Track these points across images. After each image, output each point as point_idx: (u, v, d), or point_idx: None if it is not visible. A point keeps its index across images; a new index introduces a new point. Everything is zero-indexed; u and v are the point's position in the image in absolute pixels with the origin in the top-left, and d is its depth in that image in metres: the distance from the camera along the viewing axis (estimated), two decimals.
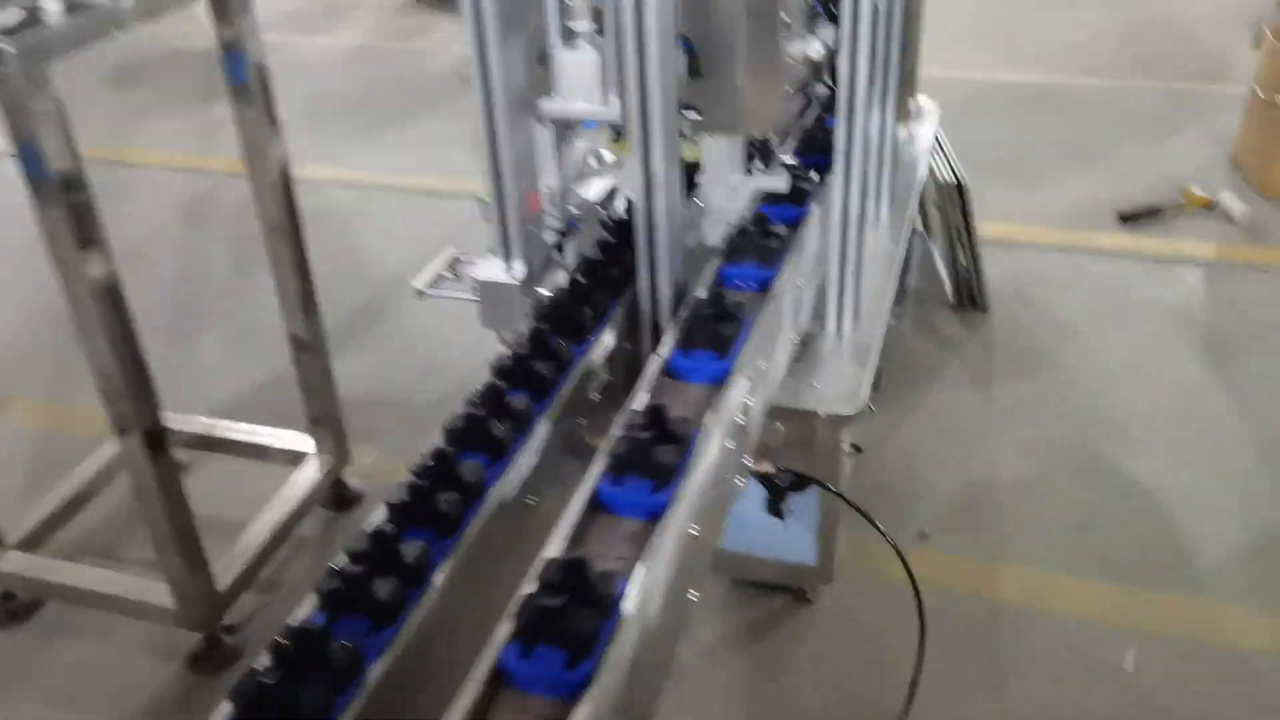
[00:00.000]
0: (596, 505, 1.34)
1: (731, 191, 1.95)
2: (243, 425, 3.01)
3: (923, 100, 3.51)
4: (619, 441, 1.37)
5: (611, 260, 1.87)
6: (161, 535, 2.31)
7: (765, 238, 1.85)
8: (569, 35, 1.66)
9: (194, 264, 4.27)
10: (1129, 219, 4.17)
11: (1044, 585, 2.58)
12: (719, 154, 1.92)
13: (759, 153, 1.98)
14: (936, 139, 3.61)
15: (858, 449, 2.33)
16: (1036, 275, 3.83)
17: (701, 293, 1.69)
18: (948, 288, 3.65)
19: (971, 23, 6.31)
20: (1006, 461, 2.95)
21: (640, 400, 1.49)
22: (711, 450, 1.44)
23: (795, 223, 2.01)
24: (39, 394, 3.47)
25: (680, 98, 1.81)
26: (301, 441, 2.90)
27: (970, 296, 3.62)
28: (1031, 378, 3.28)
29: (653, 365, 1.58)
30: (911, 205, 3.00)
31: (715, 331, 1.58)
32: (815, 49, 1.97)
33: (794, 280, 1.93)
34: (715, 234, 1.98)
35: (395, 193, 4.78)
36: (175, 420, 3.06)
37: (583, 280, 1.79)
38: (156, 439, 2.22)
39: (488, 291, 1.84)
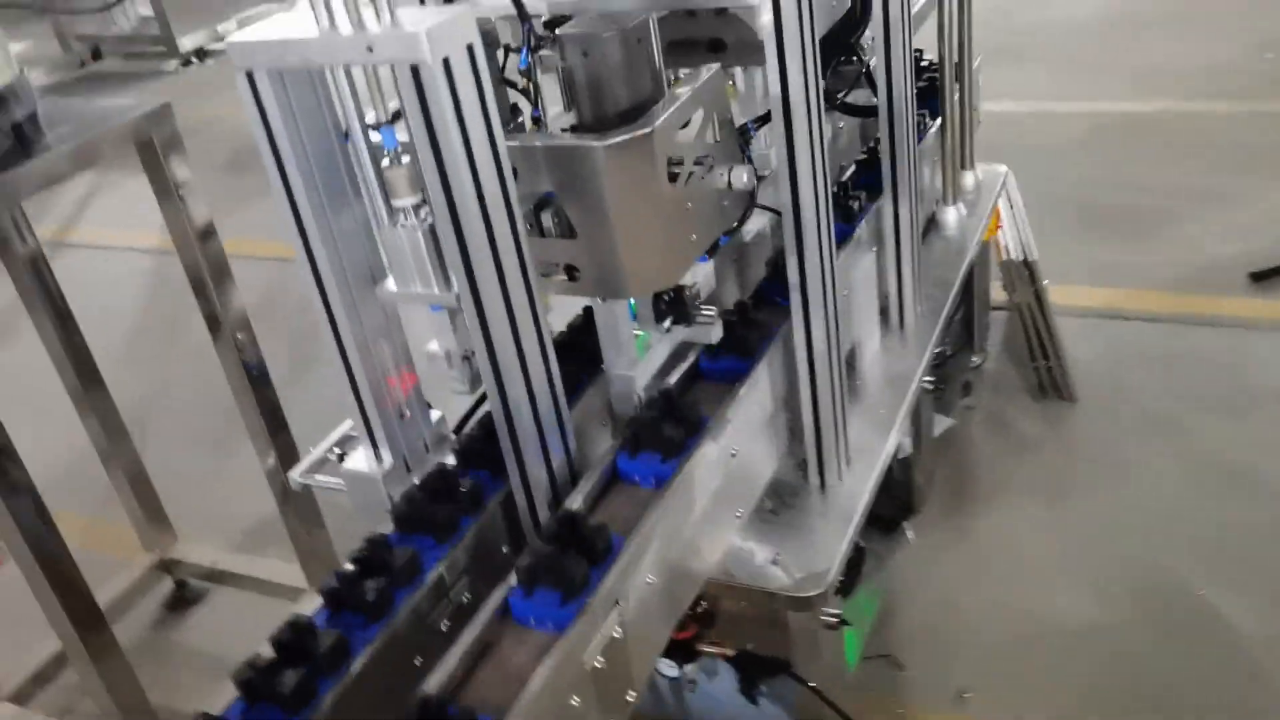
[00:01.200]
0: None
1: (634, 359, 1.67)
2: (246, 558, 2.93)
3: (983, 170, 3.08)
4: None
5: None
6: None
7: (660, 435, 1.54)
8: (393, 212, 1.44)
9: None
10: (1263, 277, 3.58)
11: None
12: (610, 317, 1.64)
13: (671, 306, 1.70)
14: (1009, 202, 3.19)
15: (843, 621, 2.00)
16: (1140, 353, 3.32)
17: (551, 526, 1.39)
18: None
19: (1088, 49, 5.72)
20: (1074, 602, 2.51)
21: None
22: None
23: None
24: (84, 509, 3.49)
25: (551, 259, 1.56)
26: (296, 575, 2.78)
27: (1055, 384, 3.16)
28: (1117, 489, 2.82)
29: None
30: (950, 299, 2.61)
31: (561, 571, 1.30)
32: (742, 178, 1.67)
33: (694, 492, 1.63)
34: (625, 404, 1.71)
35: None
36: (186, 551, 3.02)
37: (444, 479, 1.55)
38: (91, 621, 2.12)
39: (353, 484, 1.63)
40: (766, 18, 1.61)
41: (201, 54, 8.57)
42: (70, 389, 2.68)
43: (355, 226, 1.49)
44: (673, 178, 1.53)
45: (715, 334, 1.74)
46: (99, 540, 3.30)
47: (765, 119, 1.79)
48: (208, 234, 2.32)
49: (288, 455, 2.56)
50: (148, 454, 3.12)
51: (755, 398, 1.83)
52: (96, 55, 9.08)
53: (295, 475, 1.71)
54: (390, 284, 1.49)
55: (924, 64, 2.99)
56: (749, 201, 1.76)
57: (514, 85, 1.67)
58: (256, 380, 2.44)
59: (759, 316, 1.88)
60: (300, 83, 1.37)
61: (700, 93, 1.59)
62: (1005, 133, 4.76)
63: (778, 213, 1.82)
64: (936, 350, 2.53)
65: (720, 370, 1.80)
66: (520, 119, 1.69)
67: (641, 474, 1.54)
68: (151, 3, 8.32)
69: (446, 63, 1.24)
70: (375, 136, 1.45)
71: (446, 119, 1.26)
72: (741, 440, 1.77)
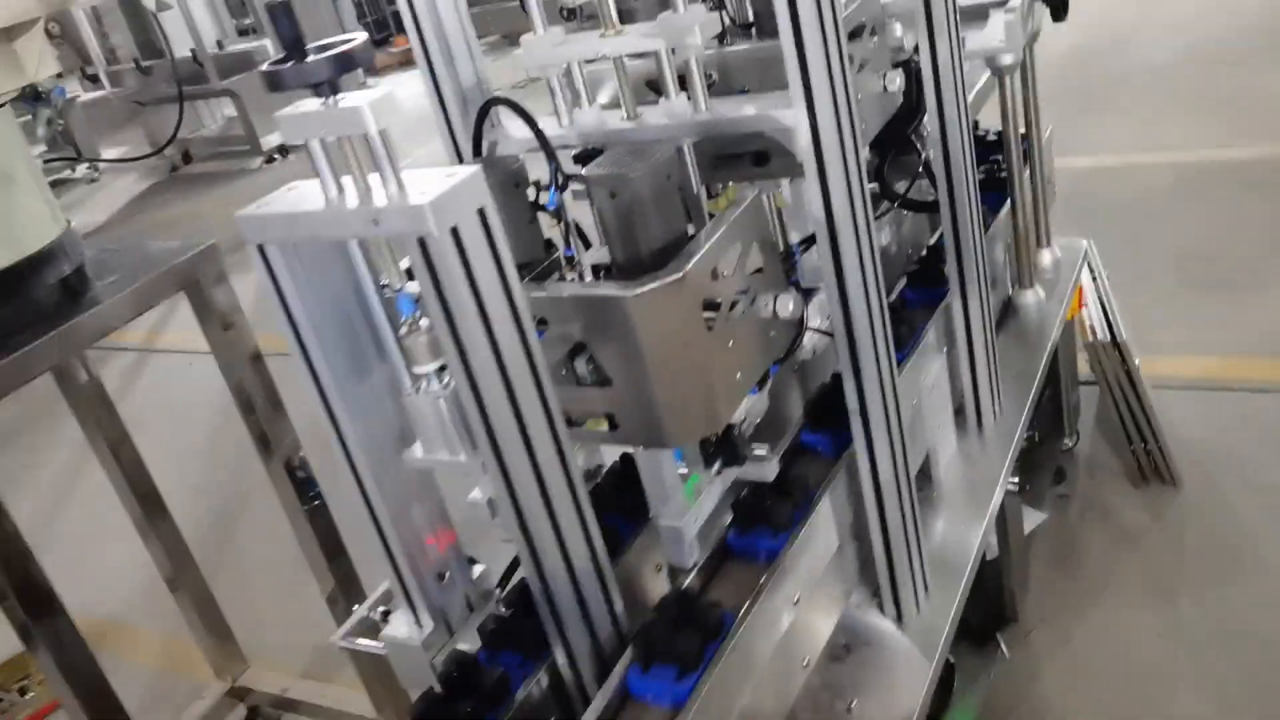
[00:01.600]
0: None
1: (682, 507, 1.57)
2: (315, 685, 2.88)
3: (1062, 245, 2.92)
4: None
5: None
6: None
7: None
8: (415, 377, 1.37)
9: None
10: None
11: None
12: (654, 466, 1.55)
13: (720, 448, 1.60)
14: (1093, 277, 3.02)
15: None
16: (1248, 427, 3.09)
17: None
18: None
19: (1173, 94, 5.49)
20: (1191, 718, 2.30)
21: None
22: None
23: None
24: (163, 626, 3.50)
25: (587, 409, 1.48)
26: (364, 704, 2.71)
27: (1155, 468, 2.95)
28: (1232, 583, 2.59)
29: None
30: (1033, 392, 2.46)
31: None
32: (789, 306, 1.57)
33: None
34: (677, 553, 1.61)
35: None
36: (257, 678, 2.99)
37: (488, 648, 1.47)
38: None
39: (394, 650, 1.55)
40: (804, 140, 1.52)
41: (284, 150, 8.83)
42: (135, 520, 2.68)
43: (381, 391, 1.43)
44: (711, 319, 1.44)
45: (771, 471, 1.63)
46: (176, 660, 3.30)
47: (811, 240, 1.69)
48: (256, 359, 2.30)
49: (347, 580, 2.52)
50: (220, 572, 3.12)
51: (803, 564, 1.68)
52: (187, 158, 9.44)
53: (337, 639, 1.65)
54: (418, 449, 1.42)
55: (991, 139, 2.86)
56: (798, 328, 1.66)
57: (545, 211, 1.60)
58: (311, 504, 2.41)
59: (795, 474, 1.73)
60: (314, 251, 1.32)
61: (737, 224, 1.51)
62: (1090, 190, 4.58)
63: (830, 334, 1.71)
64: (1021, 444, 2.37)
65: (748, 549, 1.64)
66: (555, 254, 1.63)
67: (655, 694, 1.38)
68: (235, 105, 8.63)
69: (455, 232, 1.17)
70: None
71: (458, 288, 1.19)
72: (802, 589, 1.64)
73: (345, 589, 2.49)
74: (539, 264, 1.60)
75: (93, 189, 9.69)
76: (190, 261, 2.10)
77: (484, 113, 1.68)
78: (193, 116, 9.30)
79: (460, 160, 1.79)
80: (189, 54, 8.79)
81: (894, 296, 2.31)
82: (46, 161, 8.82)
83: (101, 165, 9.69)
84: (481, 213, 1.21)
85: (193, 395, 5.10)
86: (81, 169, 9.70)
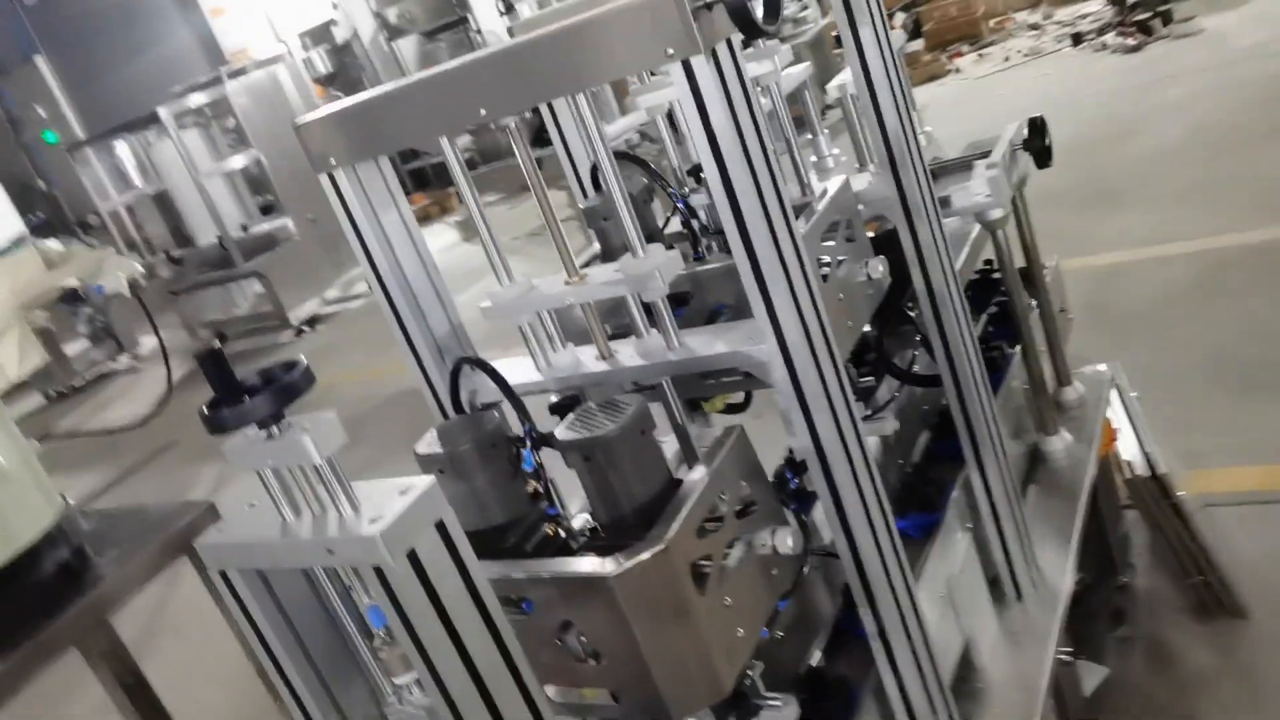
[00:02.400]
0: None
1: None
2: None
3: (1084, 378, 2.83)
4: None
5: None
6: None
7: None
8: (396, 688, 1.31)
9: None
10: None
11: None
12: None
13: (730, 704, 1.51)
14: (1123, 404, 2.91)
15: None
16: None
17: None
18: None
19: (1186, 177, 5.41)
20: None
21: None
22: None
23: None
24: None
25: (585, 684, 1.41)
26: None
27: (1218, 600, 2.79)
28: None
29: None
30: (1073, 549, 2.34)
31: None
32: (787, 542, 1.50)
33: None
34: None
35: None
36: None
37: None
38: None
39: None
40: (779, 375, 1.47)
41: (313, 322, 9.01)
42: None
43: (364, 699, 1.37)
44: (701, 579, 1.37)
45: (790, 717, 1.53)
46: None
47: (804, 466, 1.62)
48: None
49: None
50: None
51: None
52: (223, 338, 9.65)
53: None
54: None
55: (995, 277, 2.80)
56: (802, 560, 1.58)
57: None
58: None
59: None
60: (277, 572, 1.28)
61: (720, 472, 1.45)
62: (1111, 290, 4.49)
63: (836, 556, 1.63)
64: (1067, 608, 2.25)
65: None
66: (541, 507, 1.58)
67: None
68: (261, 282, 8.85)
69: (413, 555, 1.13)
70: None
71: (422, 612, 1.14)
72: None
73: None
74: (524, 520, 1.55)
75: (136, 378, 9.90)
76: (189, 525, 2.08)
77: (457, 369, 1.66)
78: (225, 298, 9.54)
79: (442, 412, 1.76)
80: (215, 240, 9.12)
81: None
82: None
83: (142, 353, 9.93)
84: (440, 526, 1.16)
85: None
86: (124, 359, 9.94)
